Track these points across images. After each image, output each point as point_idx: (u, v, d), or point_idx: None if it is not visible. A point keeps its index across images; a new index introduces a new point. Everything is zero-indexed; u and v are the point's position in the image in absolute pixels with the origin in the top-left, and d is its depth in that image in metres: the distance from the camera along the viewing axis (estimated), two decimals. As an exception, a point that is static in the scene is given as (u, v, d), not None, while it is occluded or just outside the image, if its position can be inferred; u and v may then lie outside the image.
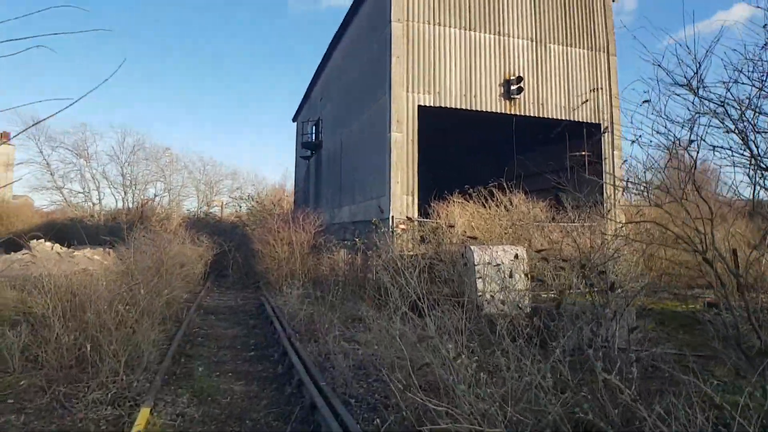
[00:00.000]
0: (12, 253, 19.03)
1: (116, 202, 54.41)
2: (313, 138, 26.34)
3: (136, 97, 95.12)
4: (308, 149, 26.16)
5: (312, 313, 9.68)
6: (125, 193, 55.70)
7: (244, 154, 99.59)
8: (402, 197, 14.73)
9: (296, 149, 34.15)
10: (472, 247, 11.45)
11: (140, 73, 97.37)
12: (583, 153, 17.88)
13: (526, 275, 11.01)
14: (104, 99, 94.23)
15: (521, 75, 16.50)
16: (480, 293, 10.46)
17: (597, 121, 17.88)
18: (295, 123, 35.17)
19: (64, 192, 42.53)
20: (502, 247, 11.44)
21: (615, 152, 17.78)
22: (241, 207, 24.75)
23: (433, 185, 15.92)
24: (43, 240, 22.79)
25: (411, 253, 13.49)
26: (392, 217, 14.33)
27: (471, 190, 13.49)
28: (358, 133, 18.27)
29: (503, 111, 16.41)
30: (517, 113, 16.63)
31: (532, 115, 16.79)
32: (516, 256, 10.63)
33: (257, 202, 22.77)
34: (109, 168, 40.93)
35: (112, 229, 24.23)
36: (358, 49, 19.08)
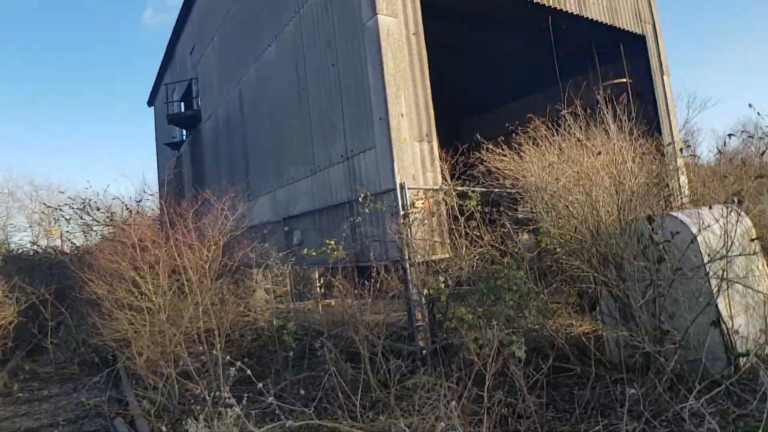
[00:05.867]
0: None
1: None
2: (183, 108, 17.41)
3: None
4: (180, 126, 16.97)
5: None
6: None
7: (89, 172, 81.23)
8: (412, 145, 7.32)
9: (156, 141, 24.41)
10: (679, 217, 4.90)
11: None
12: (623, 80, 12.04)
13: None
14: None
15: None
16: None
17: (640, 32, 12.16)
18: (153, 108, 25.34)
19: None
20: (708, 210, 4.99)
21: (664, 77, 12.24)
22: (72, 232, 14.93)
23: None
24: None
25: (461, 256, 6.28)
26: (400, 185, 6.89)
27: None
28: (284, 56, 10.35)
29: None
30: (554, 6, 10.12)
31: (571, 11, 10.42)
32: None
33: (99, 210, 13.39)
34: None
35: None
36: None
